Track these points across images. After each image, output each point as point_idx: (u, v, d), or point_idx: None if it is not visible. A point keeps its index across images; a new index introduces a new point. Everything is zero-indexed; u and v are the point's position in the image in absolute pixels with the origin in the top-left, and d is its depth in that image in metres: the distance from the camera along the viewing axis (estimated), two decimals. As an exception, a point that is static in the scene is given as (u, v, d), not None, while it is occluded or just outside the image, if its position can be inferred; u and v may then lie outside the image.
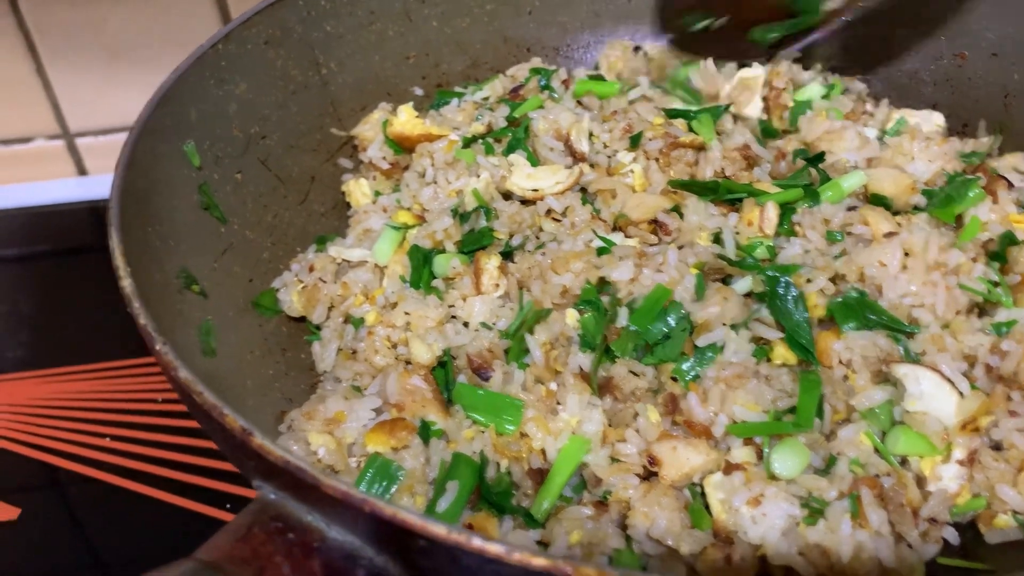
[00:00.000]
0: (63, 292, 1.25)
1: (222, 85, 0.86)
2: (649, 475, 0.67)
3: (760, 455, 0.66)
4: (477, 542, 0.41)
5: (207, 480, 0.94)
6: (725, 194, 0.82)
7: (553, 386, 0.72)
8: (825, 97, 0.98)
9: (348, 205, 0.97)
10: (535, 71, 1.04)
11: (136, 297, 0.57)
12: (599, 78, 1.03)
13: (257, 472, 0.49)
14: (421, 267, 0.82)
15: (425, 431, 0.70)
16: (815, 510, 0.63)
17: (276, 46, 0.92)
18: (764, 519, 0.62)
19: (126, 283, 0.58)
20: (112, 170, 1.49)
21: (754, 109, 0.94)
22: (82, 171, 1.53)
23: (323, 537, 0.46)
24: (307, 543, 0.46)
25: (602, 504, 0.66)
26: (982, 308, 0.75)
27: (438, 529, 0.41)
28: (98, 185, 1.48)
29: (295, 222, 0.92)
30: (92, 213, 1.43)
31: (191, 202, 0.80)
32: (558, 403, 0.71)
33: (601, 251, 0.79)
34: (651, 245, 0.81)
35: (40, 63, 1.36)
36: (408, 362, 0.76)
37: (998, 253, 0.76)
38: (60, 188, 1.46)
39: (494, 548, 0.40)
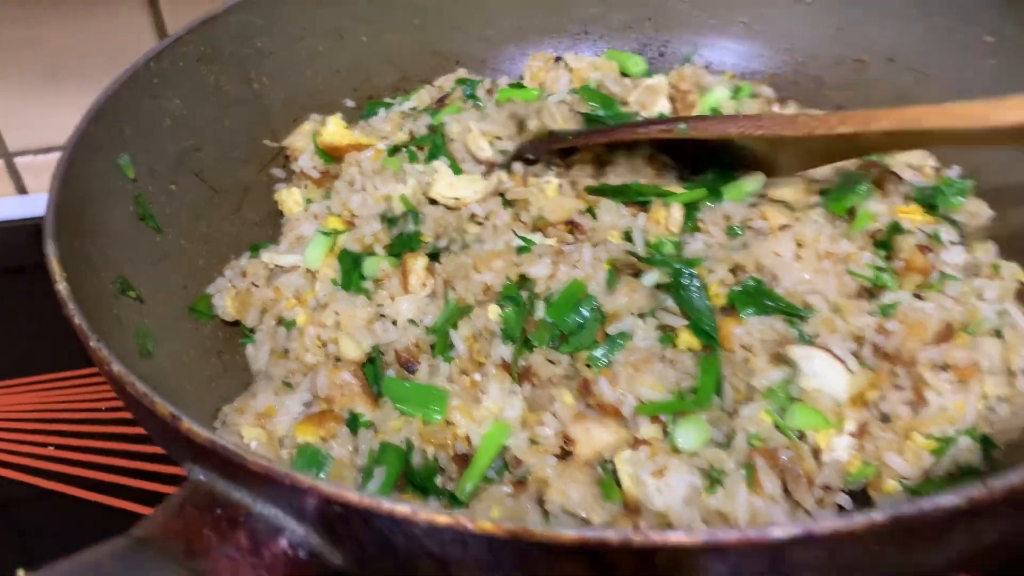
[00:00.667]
0: (3, 309, 1.26)
1: (156, 101, 0.90)
2: (565, 454, 0.72)
3: (665, 431, 0.71)
4: (387, 504, 0.45)
5: (150, 483, 0.97)
6: (635, 196, 0.88)
7: (477, 377, 0.76)
8: (733, 99, 1.04)
9: (281, 213, 1.01)
10: (460, 81, 1.09)
11: (71, 299, 0.60)
12: (520, 86, 1.08)
13: (187, 455, 0.53)
14: (351, 270, 0.86)
15: (354, 422, 0.74)
16: (715, 480, 0.68)
17: (209, 62, 0.96)
18: (668, 489, 0.67)
19: (61, 286, 0.61)
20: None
21: (662, 107, 1.00)
22: (22, 190, 1.54)
23: (248, 511, 0.50)
24: (233, 517, 0.50)
25: (521, 483, 0.70)
26: (870, 292, 0.81)
27: (351, 496, 0.46)
28: (38, 203, 1.48)
29: (229, 231, 0.96)
30: (33, 231, 1.44)
31: (127, 213, 0.83)
32: (481, 392, 0.75)
33: (521, 250, 0.84)
34: (568, 244, 0.86)
35: (-23, 83, 1.37)
36: (338, 359, 0.80)
37: (885, 242, 0.82)
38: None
39: (402, 509, 0.45)
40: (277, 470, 0.47)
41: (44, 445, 1.02)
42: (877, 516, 0.43)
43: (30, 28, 1.38)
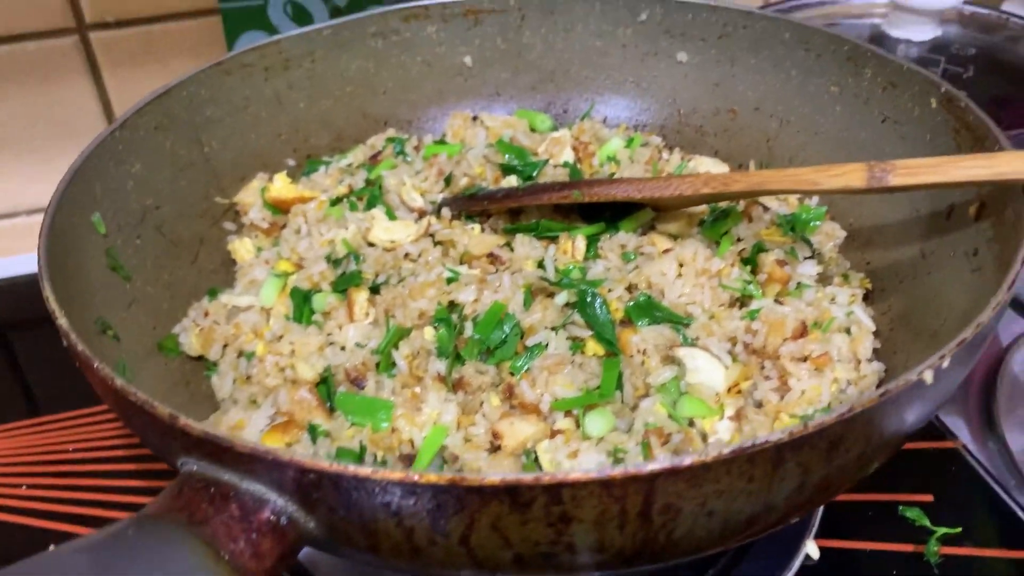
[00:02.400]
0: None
1: (120, 165, 1.01)
2: (495, 448, 0.85)
3: (577, 423, 0.85)
4: (352, 468, 0.57)
5: (117, 512, 1.06)
6: (545, 232, 1.03)
7: (417, 389, 0.89)
8: (627, 148, 1.21)
9: (234, 261, 1.12)
10: (390, 139, 1.24)
11: (71, 330, 0.72)
12: (443, 142, 1.23)
13: (181, 449, 0.64)
14: (302, 305, 0.99)
15: (313, 432, 0.86)
16: (619, 458, 0.82)
17: (164, 130, 1.08)
18: (580, 466, 0.80)
19: (62, 321, 0.73)
20: (2, 254, 1.59)
21: (567, 156, 1.16)
22: (-30, 254, 1.61)
23: (237, 488, 0.61)
24: (225, 493, 0.61)
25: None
26: (740, 301, 0.97)
27: (323, 464, 0.58)
28: (-14, 267, 1.57)
29: (188, 279, 1.07)
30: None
31: (101, 263, 0.94)
32: (421, 402, 0.88)
33: (450, 280, 0.98)
34: (490, 273, 1.00)
35: (-72, 154, 1.46)
36: (294, 381, 0.91)
37: (750, 259, 0.99)
38: (-55, 270, 1.55)
39: (364, 471, 0.57)
40: (261, 448, 0.59)
41: (17, 485, 1.11)
42: (724, 450, 0.58)
43: (-23, 103, 1.48)
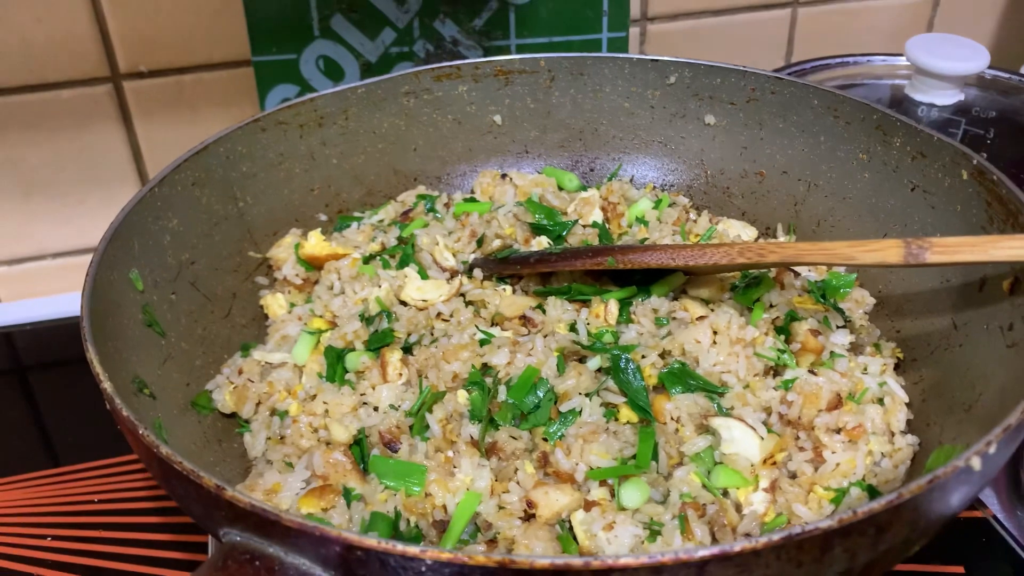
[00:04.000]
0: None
1: (158, 221, 1.03)
2: (529, 517, 0.84)
3: (612, 493, 0.85)
4: (400, 547, 0.57)
5: (143, 567, 1.06)
6: (577, 295, 1.03)
7: (450, 453, 0.89)
8: (655, 209, 1.22)
9: (266, 316, 1.13)
10: (421, 196, 1.25)
11: (116, 395, 0.72)
12: (473, 200, 1.24)
13: (226, 520, 0.64)
14: (335, 364, 0.99)
15: (347, 495, 0.85)
16: (654, 531, 0.81)
17: (201, 186, 1.09)
18: (616, 539, 0.80)
19: (107, 385, 0.73)
20: (26, 296, 1.60)
21: (596, 216, 1.17)
22: (-5, 299, 1.62)
23: (282, 562, 0.61)
24: (270, 567, 0.61)
25: (492, 542, 0.83)
26: (774, 370, 0.97)
27: (371, 541, 0.58)
28: (12, 312, 1.58)
29: (221, 333, 1.08)
30: (5, 339, 1.52)
31: (137, 320, 0.95)
32: (454, 466, 0.88)
33: (483, 342, 0.98)
34: (522, 336, 1.00)
35: (-42, 198, 1.47)
36: (328, 443, 0.92)
37: (784, 327, 0.99)
38: (-27, 315, 1.55)
39: (412, 550, 0.57)
40: (309, 524, 0.59)
41: (43, 537, 1.10)
42: (774, 536, 0.58)
43: (10, 148, 1.50)
